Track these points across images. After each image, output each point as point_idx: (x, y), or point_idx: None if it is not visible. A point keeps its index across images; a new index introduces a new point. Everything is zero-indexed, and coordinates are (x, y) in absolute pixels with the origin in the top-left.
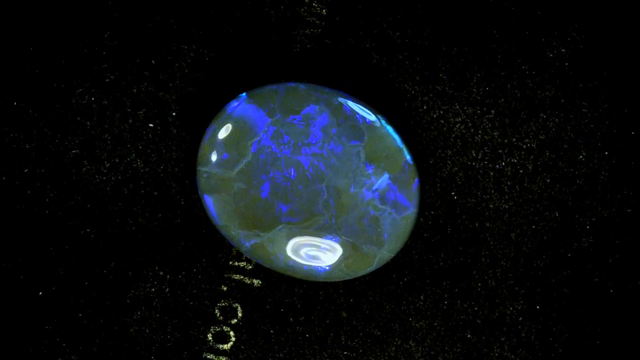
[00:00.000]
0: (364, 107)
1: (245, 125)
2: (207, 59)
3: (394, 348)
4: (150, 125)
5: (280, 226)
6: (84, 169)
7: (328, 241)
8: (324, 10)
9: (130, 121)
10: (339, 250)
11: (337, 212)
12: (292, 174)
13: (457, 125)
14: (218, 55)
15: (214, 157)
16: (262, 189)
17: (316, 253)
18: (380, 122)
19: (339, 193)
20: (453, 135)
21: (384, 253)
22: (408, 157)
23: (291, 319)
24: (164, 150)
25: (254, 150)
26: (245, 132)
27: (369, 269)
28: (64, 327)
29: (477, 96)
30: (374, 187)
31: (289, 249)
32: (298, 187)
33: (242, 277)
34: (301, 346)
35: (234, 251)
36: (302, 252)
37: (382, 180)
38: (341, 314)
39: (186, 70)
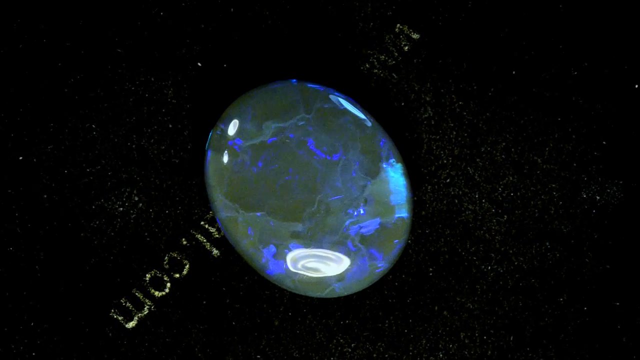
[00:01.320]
0: (394, 149)
1: (281, 108)
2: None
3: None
4: (199, 64)
5: (260, 213)
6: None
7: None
8: (406, 47)
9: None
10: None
11: (316, 228)
12: (297, 174)
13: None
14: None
15: (236, 121)
16: (263, 172)
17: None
18: (400, 170)
19: (328, 213)
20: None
21: (338, 287)
22: (406, 214)
23: (227, 301)
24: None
25: (275, 135)
26: (277, 113)
27: (318, 294)
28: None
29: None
30: (362, 225)
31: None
32: (293, 186)
33: (205, 240)
34: (218, 332)
35: (210, 214)
36: (284, 252)
37: (372, 223)
38: (274, 322)
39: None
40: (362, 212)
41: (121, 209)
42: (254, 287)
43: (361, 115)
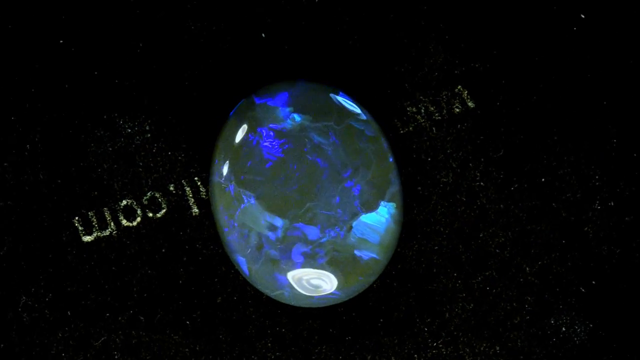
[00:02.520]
0: (400, 195)
1: (316, 109)
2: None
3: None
4: (263, 34)
5: (250, 193)
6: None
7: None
8: (457, 109)
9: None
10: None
11: (293, 231)
12: (301, 174)
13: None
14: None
15: (270, 99)
16: (271, 158)
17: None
18: (395, 217)
19: (311, 222)
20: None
21: (288, 293)
22: (378, 257)
23: (184, 259)
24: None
25: (299, 130)
26: (310, 111)
27: (267, 291)
28: None
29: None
30: (336, 248)
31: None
32: (292, 184)
33: (190, 195)
34: (163, 285)
35: (205, 176)
36: (251, 236)
37: (346, 250)
38: (217, 299)
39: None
40: (341, 236)
41: (129, 130)
42: (215, 259)
43: (385, 149)
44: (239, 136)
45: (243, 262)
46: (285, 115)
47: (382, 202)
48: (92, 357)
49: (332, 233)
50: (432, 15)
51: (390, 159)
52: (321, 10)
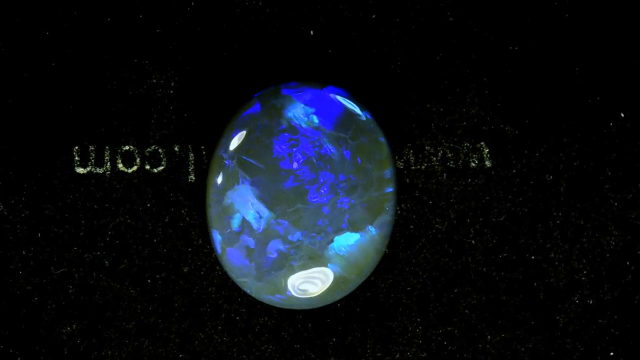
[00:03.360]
0: (389, 226)
1: (337, 117)
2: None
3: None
4: (311, 32)
5: (247, 176)
6: None
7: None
8: (472, 164)
9: None
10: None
11: (276, 226)
12: (302, 175)
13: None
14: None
15: (294, 94)
16: (280, 147)
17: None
18: (378, 244)
19: (294, 224)
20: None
21: (250, 288)
22: (347, 275)
23: (166, 221)
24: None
25: (314, 130)
26: (331, 118)
27: (231, 275)
28: None
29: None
30: (307, 255)
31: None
32: (290, 180)
33: (192, 162)
34: (142, 238)
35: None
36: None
37: (309, 264)
38: (184, 268)
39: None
40: (320, 246)
41: (154, 81)
42: (195, 229)
43: (390, 177)
44: (256, 119)
45: (218, 241)
46: (306, 114)
47: (369, 227)
48: (47, 284)
49: (312, 240)
50: (478, 67)
51: (391, 189)
52: (373, 33)
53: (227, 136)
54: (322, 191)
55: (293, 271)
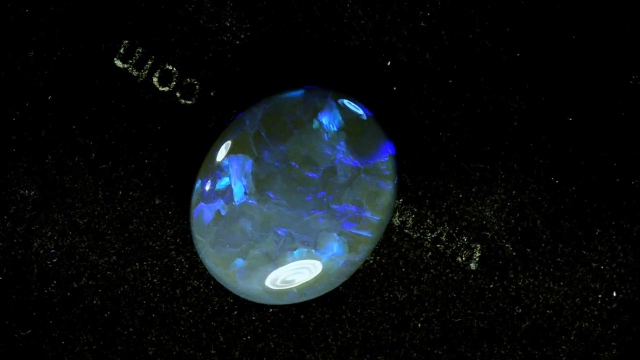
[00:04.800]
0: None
1: (364, 142)
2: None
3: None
4: (388, 63)
5: (251, 157)
6: None
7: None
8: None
9: None
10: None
11: (266, 213)
12: (301, 179)
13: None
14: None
15: (331, 105)
16: (294, 145)
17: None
18: (339, 263)
19: (279, 217)
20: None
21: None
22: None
23: (166, 150)
24: None
25: (332, 141)
26: (358, 145)
27: (218, 267)
28: None
29: None
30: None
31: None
32: (292, 179)
33: (216, 114)
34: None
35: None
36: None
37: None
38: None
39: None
40: (281, 248)
41: (228, 24)
42: (188, 173)
43: (381, 222)
44: (293, 105)
45: (196, 189)
46: (334, 123)
47: (335, 254)
48: (38, 159)
49: (276, 239)
50: (491, 178)
51: (370, 235)
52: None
53: (259, 106)
54: (317, 203)
55: (244, 256)
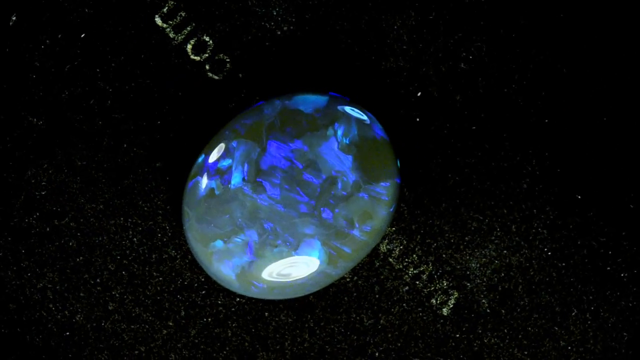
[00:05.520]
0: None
1: (375, 164)
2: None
3: None
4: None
5: (259, 145)
6: None
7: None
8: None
9: None
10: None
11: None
12: (298, 184)
13: None
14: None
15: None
16: (304, 148)
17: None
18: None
19: (268, 212)
20: None
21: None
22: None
23: (181, 117)
24: None
25: (345, 143)
26: (368, 168)
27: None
28: None
29: None
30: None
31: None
32: (292, 179)
33: (239, 96)
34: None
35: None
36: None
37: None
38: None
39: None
40: (258, 241)
41: (275, 13)
42: (196, 146)
43: (370, 242)
44: (315, 109)
45: (198, 163)
46: (348, 135)
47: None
48: (55, 91)
49: (260, 232)
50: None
51: (349, 250)
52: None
53: (282, 100)
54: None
55: (225, 240)
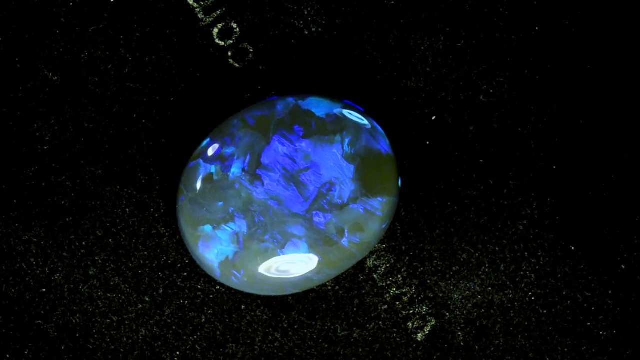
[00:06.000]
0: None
1: (376, 179)
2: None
3: None
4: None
5: (263, 139)
6: None
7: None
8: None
9: None
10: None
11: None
12: (293, 183)
13: None
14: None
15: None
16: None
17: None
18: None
19: (258, 205)
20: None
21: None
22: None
23: (198, 101)
24: None
25: (347, 152)
26: (370, 184)
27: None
28: None
29: None
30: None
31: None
32: (291, 177)
33: (254, 89)
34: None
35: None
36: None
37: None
38: None
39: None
40: (245, 232)
41: (306, 13)
42: (202, 128)
43: (345, 244)
44: (325, 117)
45: (202, 146)
46: (355, 149)
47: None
48: (75, 50)
49: (249, 223)
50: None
51: (337, 261)
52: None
53: (296, 99)
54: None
55: (215, 226)
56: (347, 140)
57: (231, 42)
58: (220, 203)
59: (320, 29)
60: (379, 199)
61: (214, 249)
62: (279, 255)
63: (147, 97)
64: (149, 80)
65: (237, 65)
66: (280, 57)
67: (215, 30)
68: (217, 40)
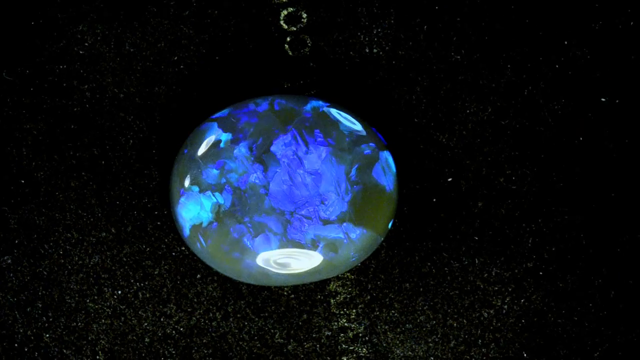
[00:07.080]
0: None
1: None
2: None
3: None
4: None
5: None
6: None
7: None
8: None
9: None
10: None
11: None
12: (291, 181)
13: None
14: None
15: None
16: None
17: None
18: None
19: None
20: None
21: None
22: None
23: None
24: None
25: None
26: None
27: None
28: None
29: None
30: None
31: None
32: (288, 174)
33: (297, 82)
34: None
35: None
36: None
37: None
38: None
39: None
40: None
41: (376, 10)
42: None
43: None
44: (344, 134)
45: (206, 124)
46: (361, 176)
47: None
48: (109, 14)
49: (237, 213)
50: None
51: (300, 272)
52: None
53: (325, 107)
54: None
55: (201, 190)
56: (357, 165)
57: (294, 29)
58: (217, 171)
59: (381, 52)
60: (363, 230)
61: (193, 210)
62: (246, 240)
63: (195, 47)
64: (202, 41)
65: (290, 53)
66: (333, 61)
67: (284, 12)
68: (281, 22)
